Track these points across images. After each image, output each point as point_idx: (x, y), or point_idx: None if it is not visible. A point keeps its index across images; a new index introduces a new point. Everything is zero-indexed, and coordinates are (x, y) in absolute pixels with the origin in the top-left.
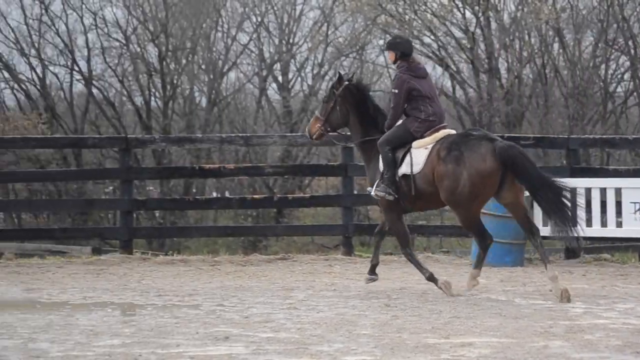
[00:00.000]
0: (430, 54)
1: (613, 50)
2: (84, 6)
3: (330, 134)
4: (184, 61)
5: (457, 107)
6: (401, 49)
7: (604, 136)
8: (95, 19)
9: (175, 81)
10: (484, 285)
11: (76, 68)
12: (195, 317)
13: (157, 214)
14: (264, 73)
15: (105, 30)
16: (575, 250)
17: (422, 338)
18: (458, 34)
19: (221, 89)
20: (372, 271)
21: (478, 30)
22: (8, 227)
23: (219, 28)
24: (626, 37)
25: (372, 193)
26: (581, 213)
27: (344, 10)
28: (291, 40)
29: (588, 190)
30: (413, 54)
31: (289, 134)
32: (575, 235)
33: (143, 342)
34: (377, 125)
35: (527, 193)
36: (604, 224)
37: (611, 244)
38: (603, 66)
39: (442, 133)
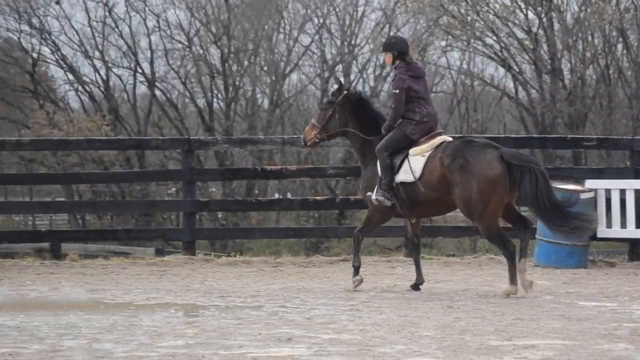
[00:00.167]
0: (493, 55)
1: None
2: (147, 8)
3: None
4: (246, 63)
5: (520, 108)
6: (397, 49)
7: None
8: (158, 21)
9: (237, 83)
10: (547, 287)
11: (139, 70)
12: (257, 319)
13: (219, 216)
14: (326, 74)
15: (168, 32)
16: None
17: (485, 340)
18: (521, 34)
19: (283, 91)
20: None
21: (541, 31)
22: (72, 228)
23: (281, 30)
24: None
25: (373, 198)
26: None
27: (406, 12)
28: (353, 42)
29: None
30: (409, 52)
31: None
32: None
33: (206, 343)
34: (378, 131)
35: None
36: None
37: None
38: None
39: (439, 140)
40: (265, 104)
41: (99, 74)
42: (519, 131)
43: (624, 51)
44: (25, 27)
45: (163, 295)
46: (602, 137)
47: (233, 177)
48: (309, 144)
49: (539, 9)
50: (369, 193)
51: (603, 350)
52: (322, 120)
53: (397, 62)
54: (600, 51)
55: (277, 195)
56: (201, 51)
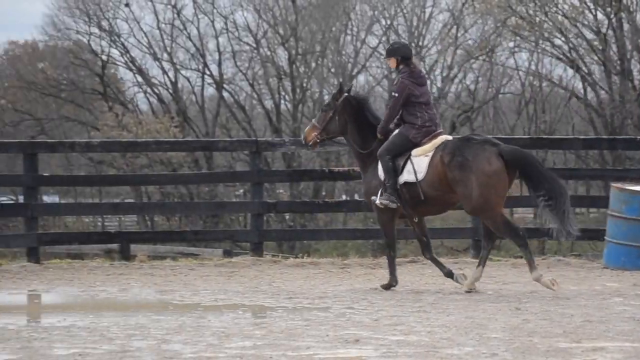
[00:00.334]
0: (561, 56)
1: None
2: (215, 10)
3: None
4: (313, 64)
5: (588, 109)
6: (401, 54)
7: None
8: (226, 23)
9: (304, 84)
10: (617, 289)
11: (207, 72)
12: (325, 320)
13: (287, 217)
14: (393, 76)
15: (236, 34)
16: None
17: (554, 342)
18: (589, 35)
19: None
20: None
21: (610, 32)
22: (141, 230)
23: (349, 31)
24: None
25: (377, 202)
26: None
27: (474, 13)
28: (420, 43)
29: None
30: (413, 58)
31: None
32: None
33: (274, 345)
34: (376, 134)
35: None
36: None
37: None
38: None
39: (440, 139)
40: None
41: (168, 76)
42: (588, 132)
43: None
44: (95, 30)
45: (231, 296)
46: None
47: (300, 178)
48: (310, 144)
49: (608, 9)
50: (373, 197)
51: None
52: (323, 121)
53: (401, 67)
54: None
55: (344, 197)
56: (269, 53)
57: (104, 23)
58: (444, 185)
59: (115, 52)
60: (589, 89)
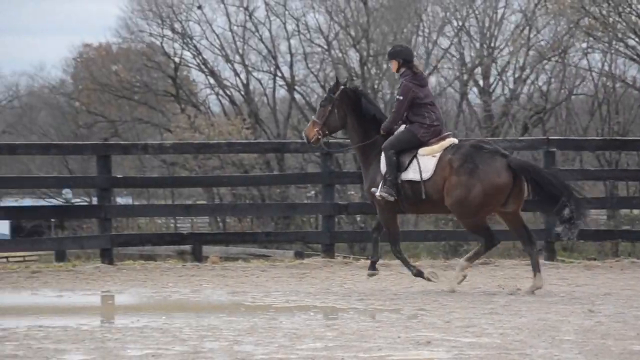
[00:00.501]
0: (635, 57)
1: None
2: (286, 12)
3: (324, 144)
4: (385, 66)
5: None
6: (403, 57)
7: None
8: (297, 25)
9: (376, 86)
10: None
11: (279, 74)
12: (396, 322)
13: (358, 219)
14: (465, 77)
15: (308, 35)
16: None
17: (628, 345)
18: None
19: None
20: (373, 267)
21: None
22: (213, 231)
23: (420, 32)
24: None
25: (377, 194)
26: None
27: (546, 13)
28: (492, 44)
29: None
30: (414, 60)
31: (490, 139)
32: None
33: (345, 346)
34: (378, 127)
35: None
36: None
37: None
38: None
39: (448, 142)
40: None
41: (239, 78)
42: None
43: None
44: (168, 32)
45: (302, 297)
46: None
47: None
48: (312, 140)
49: None
50: (373, 189)
51: None
52: (323, 116)
53: (403, 69)
54: None
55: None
56: (340, 54)
57: (177, 25)
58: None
59: (187, 55)
60: None
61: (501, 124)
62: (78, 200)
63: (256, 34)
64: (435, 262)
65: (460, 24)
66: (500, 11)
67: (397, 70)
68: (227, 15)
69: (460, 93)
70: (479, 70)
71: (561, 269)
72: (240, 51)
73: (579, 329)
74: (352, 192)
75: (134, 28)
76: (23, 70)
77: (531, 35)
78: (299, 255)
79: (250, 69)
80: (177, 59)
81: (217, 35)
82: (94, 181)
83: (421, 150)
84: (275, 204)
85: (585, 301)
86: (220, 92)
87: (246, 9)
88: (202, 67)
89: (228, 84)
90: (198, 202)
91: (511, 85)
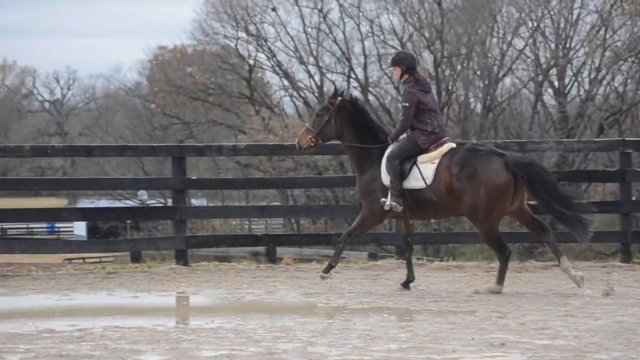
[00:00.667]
0: None
1: None
2: (361, 14)
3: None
4: (459, 67)
5: None
6: (406, 64)
7: None
8: (371, 27)
9: (450, 87)
10: None
11: (353, 75)
12: (470, 323)
13: (432, 220)
14: (540, 78)
15: (382, 37)
16: None
17: None
18: None
19: (496, 95)
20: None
21: None
22: (287, 233)
23: (495, 33)
24: None
25: (387, 204)
26: None
27: (623, 14)
28: (568, 45)
29: None
30: (417, 67)
31: (565, 140)
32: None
33: (419, 348)
34: (375, 137)
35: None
36: None
37: None
38: None
39: (447, 147)
40: (478, 108)
41: (314, 80)
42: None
43: None
44: (242, 34)
45: (376, 299)
46: None
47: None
48: (304, 148)
49: None
50: (383, 199)
51: None
52: (318, 125)
53: (406, 76)
54: None
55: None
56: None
57: (251, 27)
58: (449, 194)
59: (262, 56)
60: None
61: (576, 125)
62: (153, 201)
63: (330, 35)
64: (510, 264)
65: (536, 24)
66: (575, 12)
67: (401, 77)
68: (302, 17)
69: (535, 94)
70: (554, 71)
71: (637, 271)
72: (314, 53)
73: None
74: None
75: (209, 30)
76: (99, 72)
77: (607, 36)
78: (373, 256)
79: (324, 70)
80: (251, 61)
81: (292, 37)
82: (168, 183)
83: (420, 158)
84: (349, 206)
85: None
86: (294, 93)
87: (320, 10)
88: (276, 69)
89: (302, 85)
90: (272, 204)
91: (587, 86)
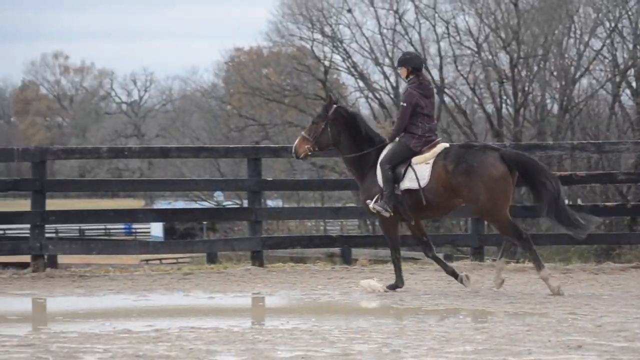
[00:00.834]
0: None
1: None
2: (436, 15)
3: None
4: (535, 68)
5: None
6: (412, 64)
7: None
8: (447, 28)
9: (526, 88)
10: None
11: (430, 76)
12: (547, 325)
13: None
14: (617, 79)
15: (457, 38)
16: None
17: None
18: None
19: (573, 96)
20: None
21: None
22: (362, 234)
23: (572, 34)
24: None
25: (371, 206)
26: None
27: None
28: None
29: None
30: (423, 69)
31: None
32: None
33: (495, 349)
34: (372, 143)
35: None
36: None
37: None
38: None
39: (440, 147)
40: (555, 109)
41: (389, 81)
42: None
43: None
44: (318, 36)
45: (451, 300)
46: None
47: (521, 183)
48: (301, 156)
49: None
50: (367, 201)
51: None
52: (314, 133)
53: (411, 77)
54: None
55: (565, 201)
56: (490, 57)
57: (327, 29)
58: (447, 192)
59: (337, 58)
60: None
61: None
62: (229, 202)
63: (406, 36)
64: (587, 266)
65: (613, 25)
66: None
67: (407, 77)
68: (377, 18)
69: (613, 95)
70: (631, 71)
71: None
72: (390, 54)
73: None
74: None
75: (285, 32)
76: (176, 74)
77: None
78: (448, 258)
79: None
80: (327, 62)
81: (367, 39)
82: (244, 184)
83: (414, 159)
84: None
85: None
86: (370, 95)
87: (396, 12)
88: (352, 70)
89: (377, 87)
90: (347, 205)
91: None
